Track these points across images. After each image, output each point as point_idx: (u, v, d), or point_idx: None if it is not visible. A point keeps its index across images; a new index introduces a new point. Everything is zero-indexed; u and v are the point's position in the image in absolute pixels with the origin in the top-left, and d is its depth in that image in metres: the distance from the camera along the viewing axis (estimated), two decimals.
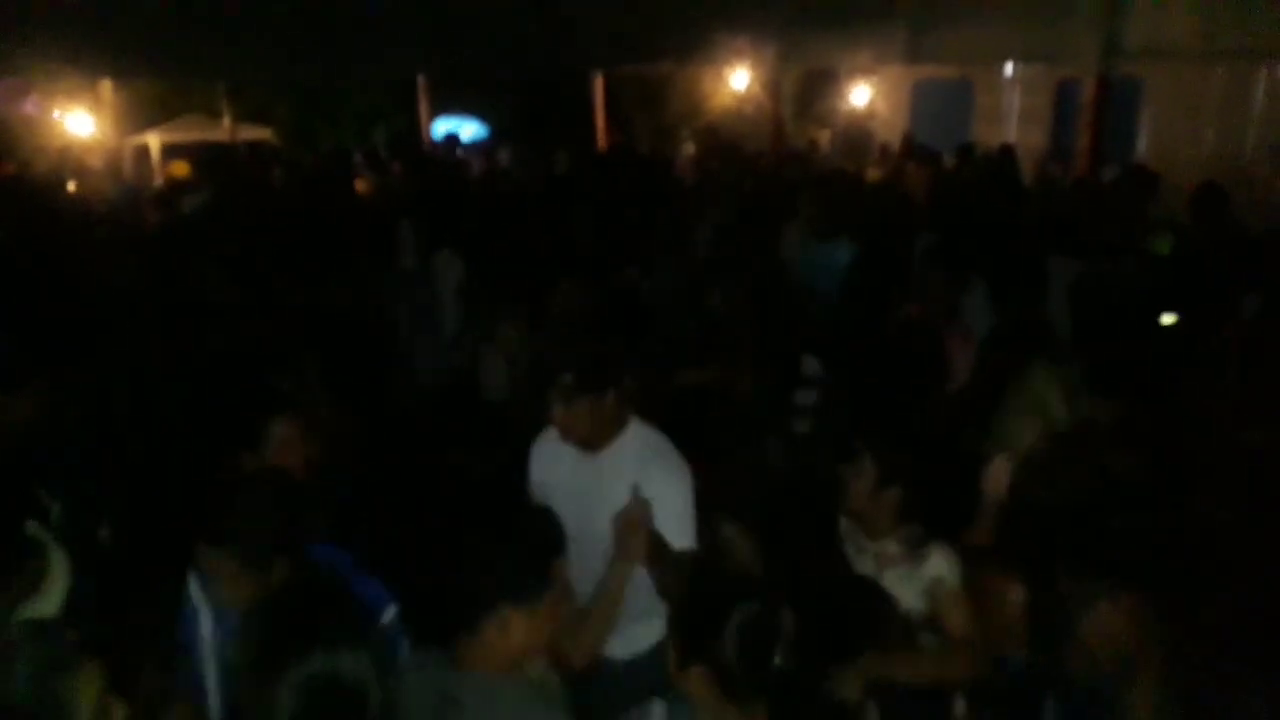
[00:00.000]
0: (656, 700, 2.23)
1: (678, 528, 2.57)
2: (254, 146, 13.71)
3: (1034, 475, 2.56)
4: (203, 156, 10.64)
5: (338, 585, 2.20)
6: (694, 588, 2.12)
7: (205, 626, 2.32)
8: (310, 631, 1.72)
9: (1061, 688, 2.27)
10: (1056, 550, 2.34)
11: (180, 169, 10.61)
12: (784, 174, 9.22)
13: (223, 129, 13.96)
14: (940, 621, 2.57)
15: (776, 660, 2.00)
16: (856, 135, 12.10)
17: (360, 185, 9.14)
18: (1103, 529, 2.40)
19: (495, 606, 1.87)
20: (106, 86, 10.93)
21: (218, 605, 2.30)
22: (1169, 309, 4.20)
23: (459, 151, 11.92)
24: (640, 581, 2.55)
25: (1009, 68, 11.73)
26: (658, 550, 2.50)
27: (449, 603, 1.93)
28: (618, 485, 2.57)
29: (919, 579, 2.60)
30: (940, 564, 2.58)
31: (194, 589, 2.35)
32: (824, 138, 12.70)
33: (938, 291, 4.24)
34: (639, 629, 2.67)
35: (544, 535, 2.00)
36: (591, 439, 2.68)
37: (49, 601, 2.43)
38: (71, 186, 9.39)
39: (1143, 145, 9.68)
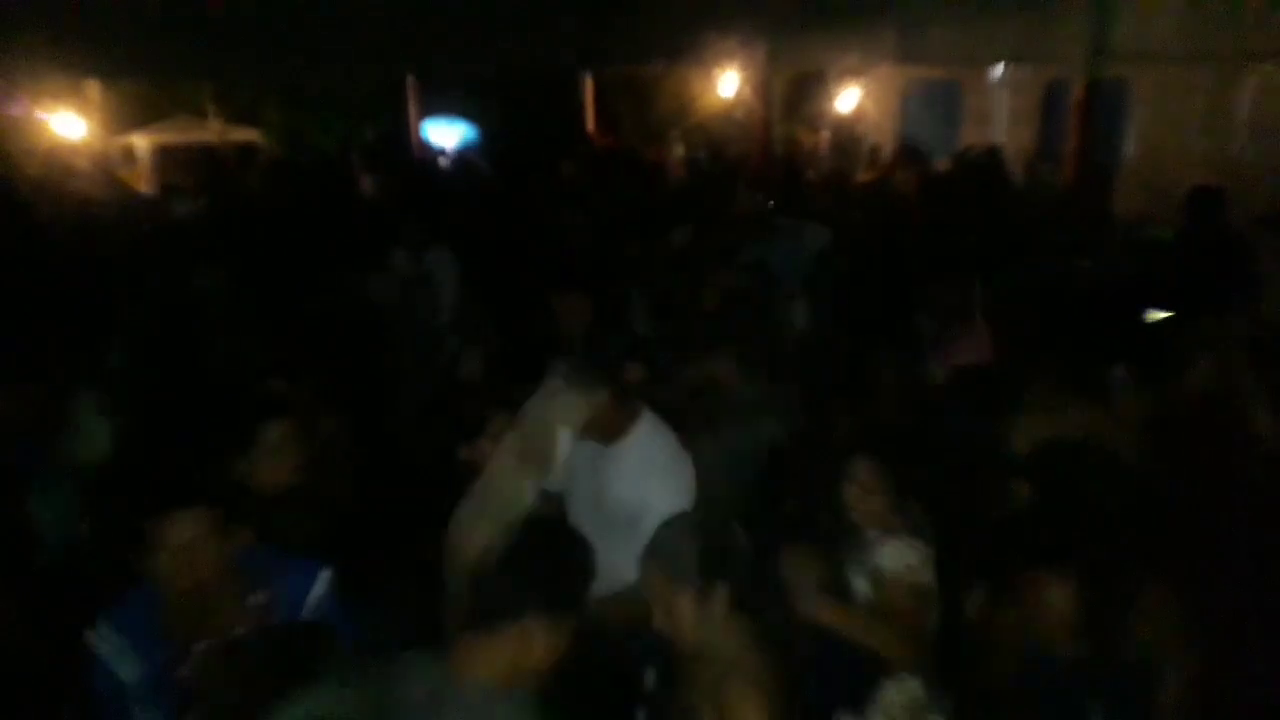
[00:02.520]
0: (649, 669, 2.27)
1: None
2: (242, 148, 13.66)
3: (1070, 474, 2.60)
4: (193, 161, 10.61)
5: (317, 622, 2.19)
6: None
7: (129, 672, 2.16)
8: (294, 672, 1.71)
9: (1109, 683, 2.31)
10: (1102, 547, 2.36)
11: (135, 175, 10.65)
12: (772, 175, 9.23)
13: (210, 130, 13.91)
14: (882, 607, 2.64)
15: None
16: (847, 138, 12.12)
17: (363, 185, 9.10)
18: (1142, 524, 2.43)
19: (525, 615, 1.88)
20: (93, 87, 10.85)
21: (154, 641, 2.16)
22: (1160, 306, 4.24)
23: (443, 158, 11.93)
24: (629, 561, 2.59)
25: (998, 69, 11.77)
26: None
27: (482, 600, 1.93)
28: (619, 484, 2.67)
29: (867, 567, 2.68)
30: (887, 555, 2.64)
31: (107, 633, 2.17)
32: (817, 141, 12.71)
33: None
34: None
35: (583, 560, 2.04)
36: (598, 433, 2.73)
37: None
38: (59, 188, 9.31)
39: (1130, 146, 9.71)
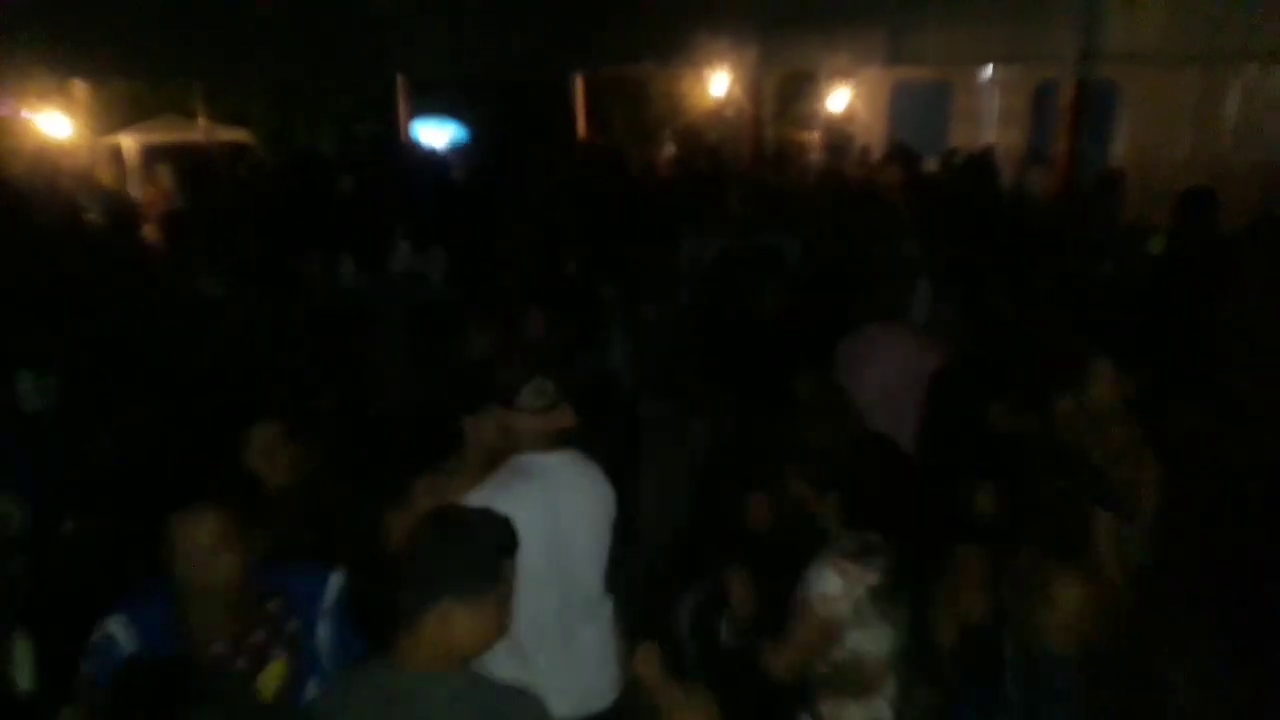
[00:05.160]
0: None
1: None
2: (231, 148, 13.58)
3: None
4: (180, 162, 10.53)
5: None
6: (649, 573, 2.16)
7: None
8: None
9: (1020, 660, 2.33)
10: (1021, 531, 2.40)
11: (123, 175, 10.59)
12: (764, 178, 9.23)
13: (199, 130, 13.82)
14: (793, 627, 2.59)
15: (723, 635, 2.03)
16: (837, 138, 12.13)
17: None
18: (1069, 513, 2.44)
19: (439, 600, 1.90)
20: (80, 86, 10.78)
21: None
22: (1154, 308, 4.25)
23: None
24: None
25: (988, 70, 11.81)
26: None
27: (397, 595, 1.94)
28: None
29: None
30: (812, 577, 2.52)
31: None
32: (810, 140, 12.72)
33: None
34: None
35: (494, 535, 2.03)
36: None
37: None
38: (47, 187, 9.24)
39: (1120, 147, 9.76)
